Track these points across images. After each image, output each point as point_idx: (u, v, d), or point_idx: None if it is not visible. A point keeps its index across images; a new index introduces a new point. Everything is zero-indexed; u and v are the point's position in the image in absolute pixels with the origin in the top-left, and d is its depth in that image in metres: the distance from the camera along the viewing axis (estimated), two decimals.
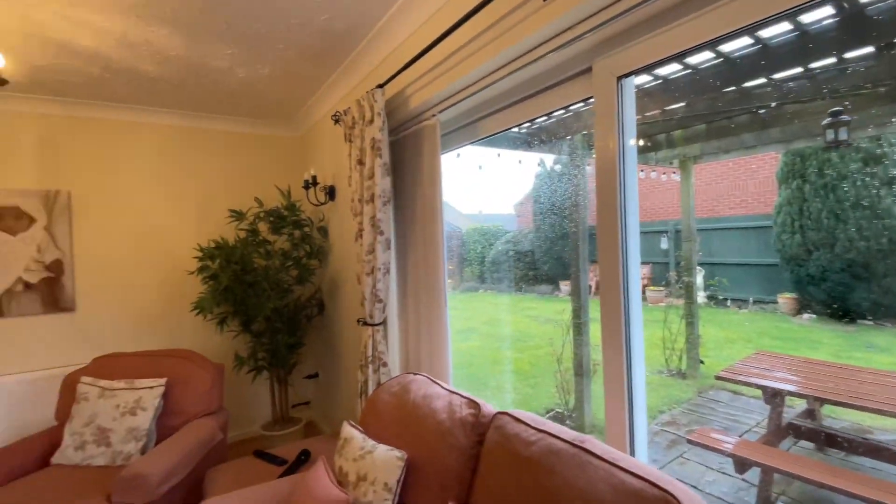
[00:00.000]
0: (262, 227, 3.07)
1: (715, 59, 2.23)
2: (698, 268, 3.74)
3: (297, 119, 3.48)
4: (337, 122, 2.54)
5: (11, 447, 2.09)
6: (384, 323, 2.40)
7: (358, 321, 2.44)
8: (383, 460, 1.43)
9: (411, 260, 2.33)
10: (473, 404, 1.45)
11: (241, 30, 2.10)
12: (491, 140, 2.54)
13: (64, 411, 2.32)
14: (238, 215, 2.94)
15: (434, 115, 2.10)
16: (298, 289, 3.13)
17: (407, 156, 2.30)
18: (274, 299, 2.75)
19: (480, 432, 1.38)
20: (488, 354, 5.39)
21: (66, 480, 1.96)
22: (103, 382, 2.27)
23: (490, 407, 1.45)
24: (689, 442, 2.41)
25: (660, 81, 2.49)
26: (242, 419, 3.33)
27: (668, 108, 2.97)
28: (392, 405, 1.67)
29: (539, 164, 5.54)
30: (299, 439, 2.89)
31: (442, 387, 1.65)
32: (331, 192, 3.03)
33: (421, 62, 1.85)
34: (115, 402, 2.19)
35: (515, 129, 3.10)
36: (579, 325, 3.30)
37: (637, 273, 1.31)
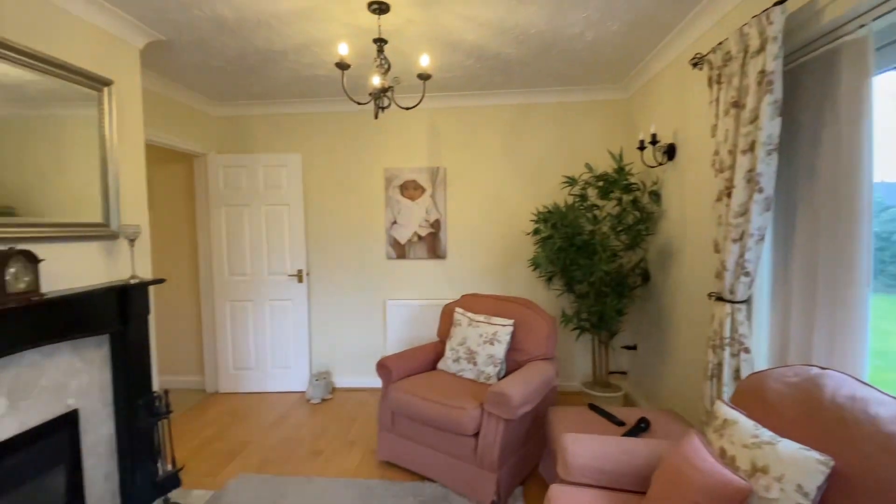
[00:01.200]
0: (591, 192, 3.11)
1: None
2: None
3: (627, 80, 3.32)
4: (696, 65, 2.23)
5: (416, 350, 2.90)
6: (748, 301, 2.01)
7: (709, 295, 2.13)
8: (794, 458, 1.17)
9: (802, 227, 1.83)
10: None
11: None
12: None
13: (444, 331, 3.05)
14: (571, 181, 3.07)
15: (863, 25, 1.53)
16: (626, 255, 3.04)
17: (805, 89, 1.78)
18: (606, 262, 2.75)
19: None
20: None
21: (449, 383, 2.56)
22: (470, 314, 2.85)
23: None
24: None
25: None
26: (562, 373, 3.58)
27: None
28: (794, 399, 1.35)
29: None
30: (617, 405, 2.88)
31: (880, 392, 1.21)
32: (670, 152, 2.75)
33: None
34: (478, 331, 2.71)
35: None
36: None
37: None
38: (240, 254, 3.76)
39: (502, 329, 2.66)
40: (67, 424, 1.91)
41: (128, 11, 2.19)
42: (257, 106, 3.75)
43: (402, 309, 3.70)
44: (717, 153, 2.06)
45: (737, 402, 1.58)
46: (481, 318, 2.79)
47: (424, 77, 2.13)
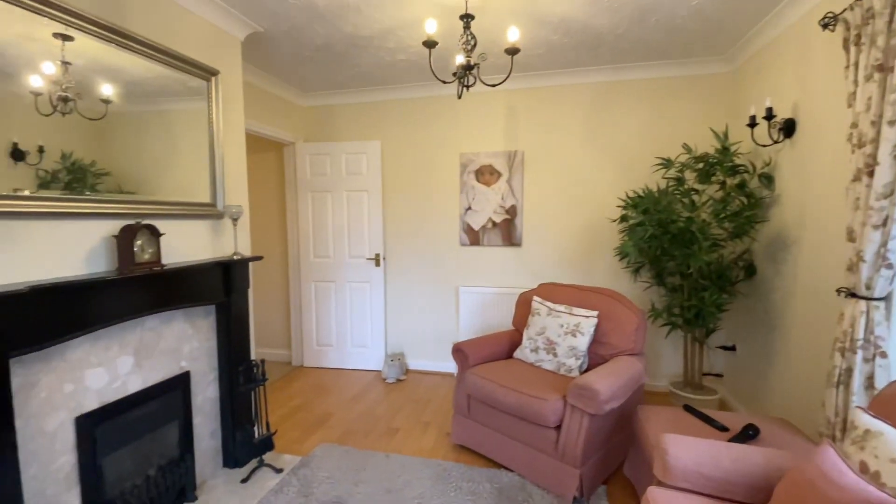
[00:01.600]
0: (689, 175, 2.83)
1: None
2: None
3: (733, 51, 2.96)
4: (827, 26, 1.92)
5: (491, 337, 2.85)
6: (888, 298, 1.72)
7: (839, 291, 1.85)
8: None
9: None
10: None
11: None
12: None
13: (519, 320, 2.97)
14: (666, 163, 2.82)
15: None
16: (728, 245, 2.74)
17: None
18: (706, 252, 2.50)
19: None
20: None
21: (528, 373, 2.49)
22: (549, 304, 2.74)
23: None
24: None
25: None
26: (648, 371, 3.35)
27: None
28: None
29: None
30: (712, 410, 2.61)
31: None
32: (787, 128, 2.41)
33: None
34: (559, 321, 2.60)
35: None
36: None
37: None
38: (323, 237, 3.95)
39: (585, 320, 2.53)
40: (181, 384, 2.12)
41: (231, 5, 2.34)
42: (341, 95, 3.88)
43: (474, 296, 3.67)
44: (854, 126, 1.76)
45: (878, 411, 1.35)
46: (562, 308, 2.67)
47: (512, 52, 2.04)
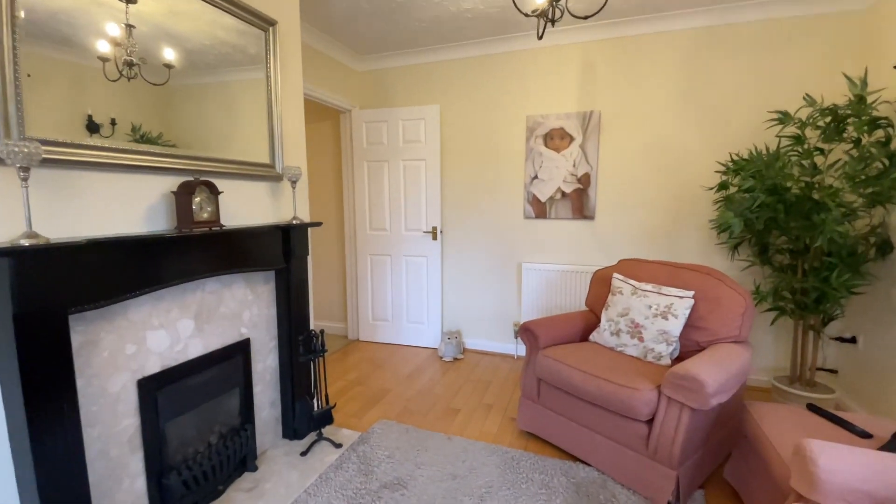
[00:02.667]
0: (809, 133, 2.36)
1: None
2: None
3: None
4: None
5: (562, 318, 2.58)
6: None
7: None
8: None
9: None
10: None
11: None
12: None
13: (594, 300, 2.67)
14: (782, 118, 2.36)
15: None
16: (862, 217, 2.27)
17: None
18: (837, 223, 2.06)
19: None
20: None
21: (609, 358, 2.20)
22: (633, 282, 2.41)
23: None
24: None
25: None
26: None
27: None
28: None
29: None
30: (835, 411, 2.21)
31: None
32: None
33: None
34: (646, 302, 2.28)
35: None
36: None
37: None
38: (380, 209, 3.80)
39: (679, 301, 2.19)
40: (241, 351, 2.04)
41: None
42: (398, 57, 3.66)
43: (538, 273, 3.39)
44: None
45: None
46: (649, 287, 2.34)
47: None
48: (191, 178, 1.71)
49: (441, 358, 3.56)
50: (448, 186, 3.70)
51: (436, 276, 3.73)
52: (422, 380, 3.14)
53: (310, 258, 2.44)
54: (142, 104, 1.58)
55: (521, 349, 3.61)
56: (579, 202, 3.29)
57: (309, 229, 2.40)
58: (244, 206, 2.06)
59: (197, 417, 1.85)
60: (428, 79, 3.64)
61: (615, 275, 2.52)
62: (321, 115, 4.01)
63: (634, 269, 2.55)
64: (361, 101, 3.86)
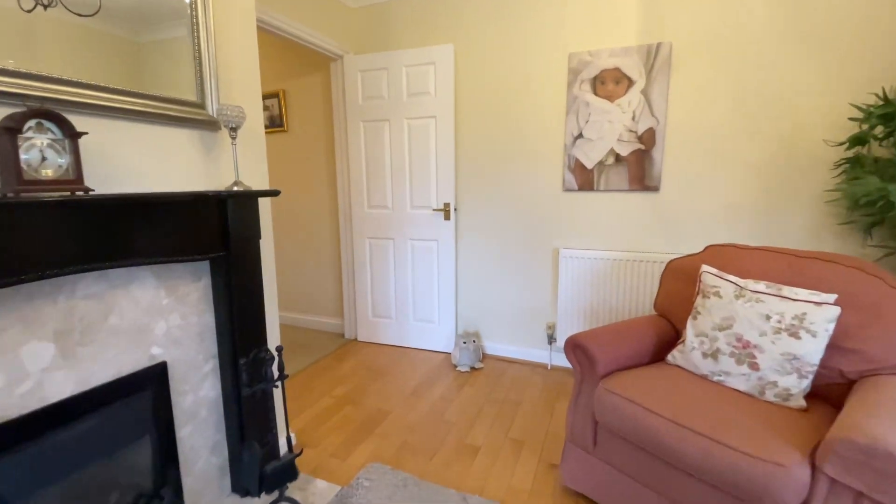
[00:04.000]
0: None
1: None
2: None
3: None
4: None
5: (622, 327, 1.83)
6: None
7: None
8: None
9: None
10: None
11: None
12: None
13: (670, 302, 1.90)
14: None
15: None
16: None
17: None
18: None
19: None
20: None
21: (708, 396, 1.45)
22: (734, 278, 1.64)
23: None
24: None
25: None
26: None
27: None
28: None
29: None
30: None
31: None
32: None
33: None
34: (761, 309, 1.51)
35: None
36: None
37: None
38: (379, 181, 3.07)
39: (816, 310, 1.41)
40: (153, 381, 1.37)
41: None
42: None
43: (581, 262, 2.62)
44: None
45: None
46: (762, 286, 1.56)
47: None
48: (22, 108, 1.01)
49: (455, 367, 2.86)
50: (464, 151, 2.93)
51: (449, 264, 3.00)
52: (430, 397, 2.45)
53: (269, 242, 1.74)
54: None
55: (556, 357, 2.88)
56: (639, 168, 2.49)
57: (269, 201, 1.70)
58: (155, 164, 1.35)
59: (74, 489, 1.20)
60: (439, 11, 2.84)
61: (705, 268, 1.74)
62: (308, 67, 3.27)
63: (732, 259, 1.77)
64: (356, 44, 3.09)
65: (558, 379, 2.68)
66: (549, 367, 2.84)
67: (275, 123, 3.49)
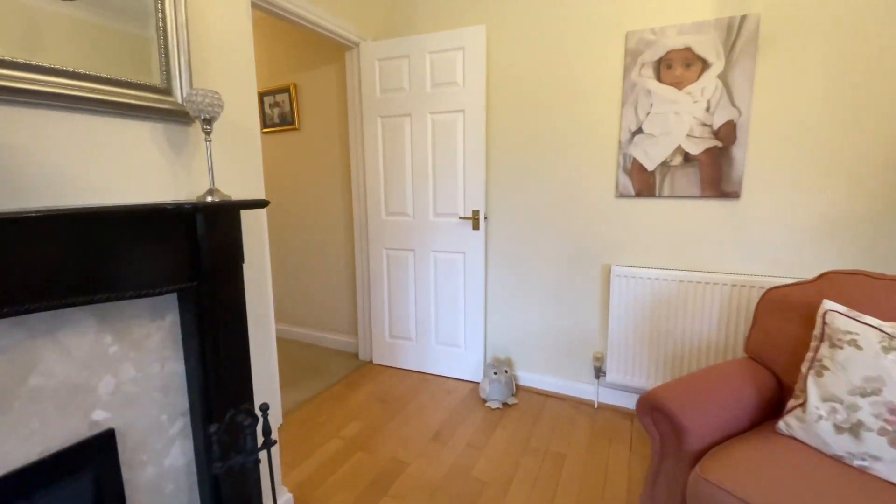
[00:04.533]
0: None
1: None
2: None
3: None
4: None
5: (718, 377, 1.40)
6: None
7: None
8: None
9: None
10: None
11: None
12: None
13: (769, 343, 1.47)
14: None
15: None
16: None
17: None
18: None
19: None
20: None
21: (843, 487, 1.02)
22: (877, 321, 1.19)
23: None
24: None
25: None
26: None
27: None
28: None
29: None
30: None
31: None
32: None
33: None
34: None
35: None
36: None
37: None
38: (399, 185, 2.71)
39: None
40: (94, 457, 1.03)
41: None
42: None
43: (638, 282, 2.19)
44: None
45: None
46: None
47: None
48: None
49: (484, 402, 2.47)
50: (497, 151, 2.54)
51: (477, 280, 2.61)
52: (455, 444, 2.07)
53: (263, 262, 1.39)
54: None
55: (603, 393, 2.45)
56: (714, 170, 2.04)
57: (265, 213, 1.35)
58: (101, 167, 1.02)
59: None
60: None
61: (830, 305, 1.29)
62: (321, 57, 2.94)
63: (864, 291, 1.32)
64: (375, 30, 2.74)
65: (608, 421, 2.25)
66: (595, 406, 2.41)
67: (286, 121, 3.18)
